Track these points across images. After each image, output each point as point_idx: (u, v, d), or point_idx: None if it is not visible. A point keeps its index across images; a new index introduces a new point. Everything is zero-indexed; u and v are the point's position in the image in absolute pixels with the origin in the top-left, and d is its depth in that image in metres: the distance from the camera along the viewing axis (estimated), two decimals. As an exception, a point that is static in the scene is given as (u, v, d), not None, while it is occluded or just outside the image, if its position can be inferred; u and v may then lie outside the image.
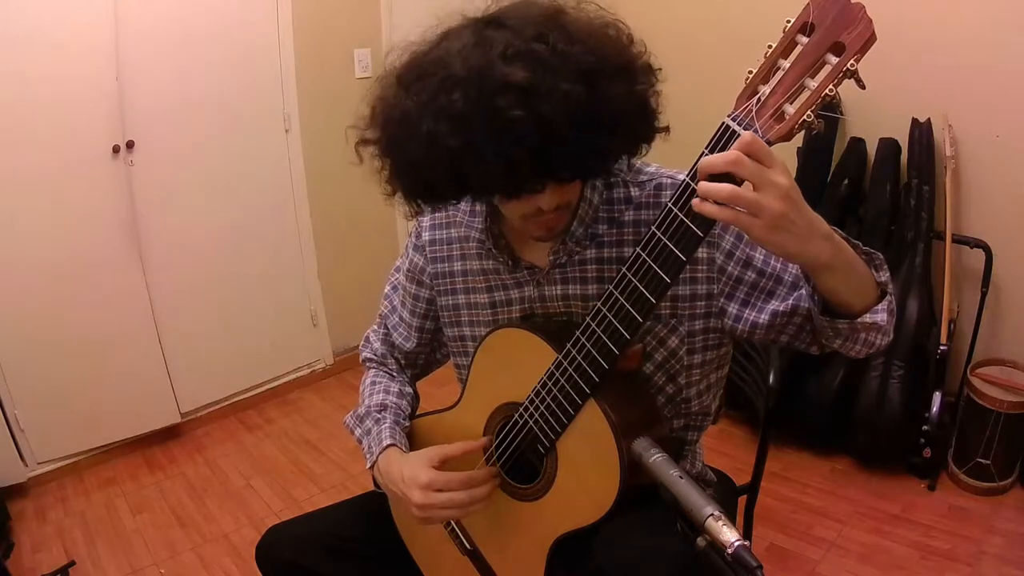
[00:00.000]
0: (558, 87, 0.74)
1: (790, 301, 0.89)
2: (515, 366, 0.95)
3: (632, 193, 0.97)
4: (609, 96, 0.77)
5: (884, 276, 0.82)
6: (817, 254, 0.70)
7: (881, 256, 0.83)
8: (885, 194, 2.26)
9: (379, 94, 0.87)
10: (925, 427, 2.06)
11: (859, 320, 0.79)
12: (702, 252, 0.91)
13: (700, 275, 0.93)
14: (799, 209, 0.66)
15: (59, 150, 2.18)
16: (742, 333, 0.95)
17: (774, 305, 0.90)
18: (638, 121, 0.83)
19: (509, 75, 0.74)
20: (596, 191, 0.96)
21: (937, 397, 2.07)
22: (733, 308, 0.93)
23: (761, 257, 0.91)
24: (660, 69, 0.85)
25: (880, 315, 0.81)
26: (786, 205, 0.65)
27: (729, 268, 0.92)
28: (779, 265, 0.90)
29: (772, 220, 0.65)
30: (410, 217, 0.96)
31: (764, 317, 0.91)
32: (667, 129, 0.87)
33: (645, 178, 0.97)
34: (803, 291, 0.86)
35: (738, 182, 0.65)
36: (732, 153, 0.64)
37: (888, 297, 0.82)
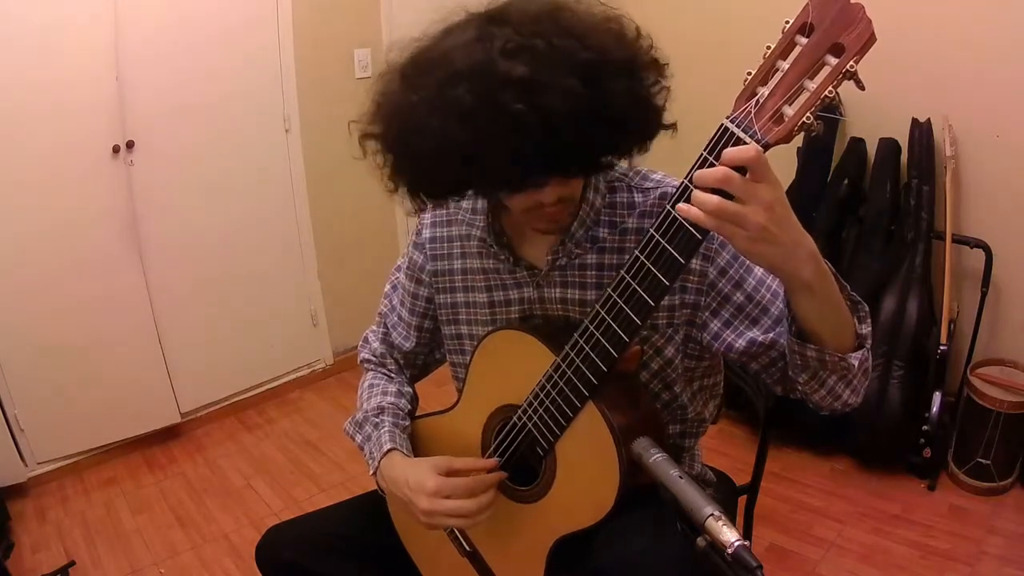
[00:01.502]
0: (558, 82, 0.74)
1: (771, 335, 0.90)
2: (513, 368, 0.95)
3: (636, 199, 0.97)
4: (610, 92, 0.77)
5: (865, 329, 0.81)
6: (799, 270, 0.71)
7: (867, 309, 0.82)
8: (885, 194, 2.26)
9: (382, 89, 0.86)
10: (925, 427, 2.06)
11: (828, 352, 0.79)
12: (696, 264, 0.91)
13: (690, 285, 0.93)
14: (782, 224, 0.67)
15: (59, 150, 2.18)
16: (717, 351, 0.96)
17: (754, 334, 0.91)
18: (641, 118, 0.82)
19: (510, 70, 0.74)
20: (599, 193, 0.96)
21: (937, 397, 2.07)
22: (715, 325, 0.94)
23: (753, 282, 0.91)
24: (667, 64, 0.85)
25: (852, 359, 0.80)
26: (769, 219, 0.66)
27: (720, 284, 0.92)
28: (768, 296, 0.90)
29: (754, 232, 0.66)
30: (412, 213, 0.96)
31: (741, 343, 0.92)
32: (674, 126, 0.87)
33: (650, 185, 0.97)
34: (784, 330, 0.87)
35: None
36: (720, 170, 0.65)
37: (865, 351, 0.81)
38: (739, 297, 0.91)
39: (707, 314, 0.94)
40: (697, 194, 0.67)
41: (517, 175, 0.80)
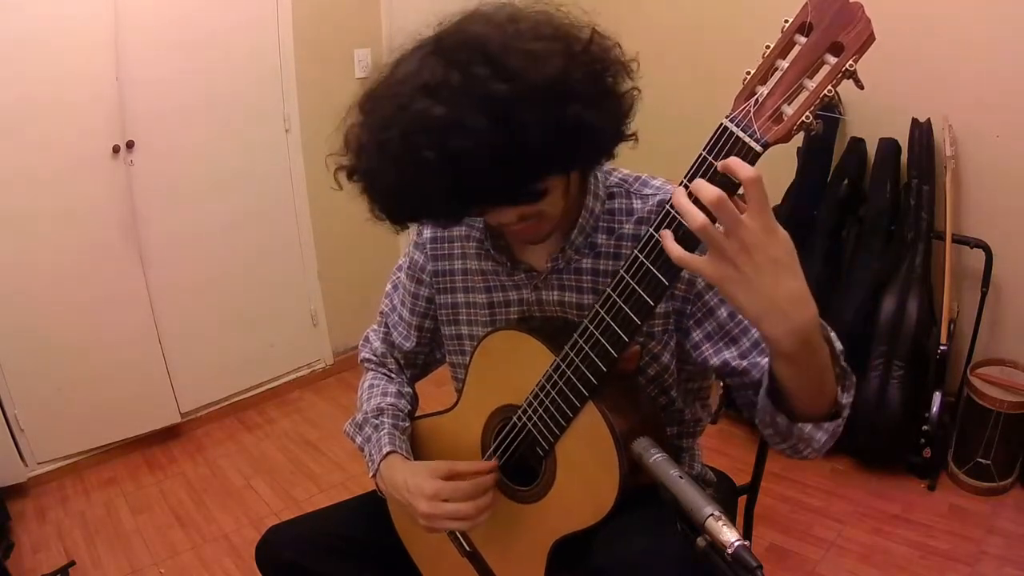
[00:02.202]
0: (467, 123, 0.73)
1: (745, 362, 0.90)
2: (513, 368, 0.95)
3: (635, 205, 0.97)
4: (523, 126, 0.73)
5: (846, 399, 0.79)
6: (774, 336, 0.68)
7: (854, 379, 0.80)
8: (885, 194, 2.25)
9: (349, 123, 0.89)
10: (925, 427, 2.06)
11: (797, 426, 0.78)
12: (686, 273, 0.89)
13: (678, 293, 0.94)
14: (761, 273, 0.65)
15: (59, 150, 2.18)
16: (694, 361, 0.96)
17: (729, 355, 0.91)
18: (568, 146, 0.78)
19: (426, 111, 0.75)
20: (598, 200, 0.96)
21: (937, 397, 2.07)
22: (696, 335, 0.94)
23: None
24: (627, 69, 0.82)
25: (820, 435, 0.79)
26: (743, 259, 0.65)
27: (707, 296, 0.92)
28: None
29: (724, 266, 0.66)
30: (398, 231, 0.96)
31: (716, 361, 0.92)
32: (634, 136, 0.87)
33: (649, 191, 0.97)
34: (761, 360, 0.87)
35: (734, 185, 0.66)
36: (716, 192, 0.63)
37: (839, 420, 0.80)
38: (723, 313, 0.92)
39: (691, 322, 0.94)
40: (688, 205, 0.66)
41: (450, 211, 0.83)
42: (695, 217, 0.65)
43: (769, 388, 0.80)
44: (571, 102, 0.76)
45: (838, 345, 0.78)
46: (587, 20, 0.83)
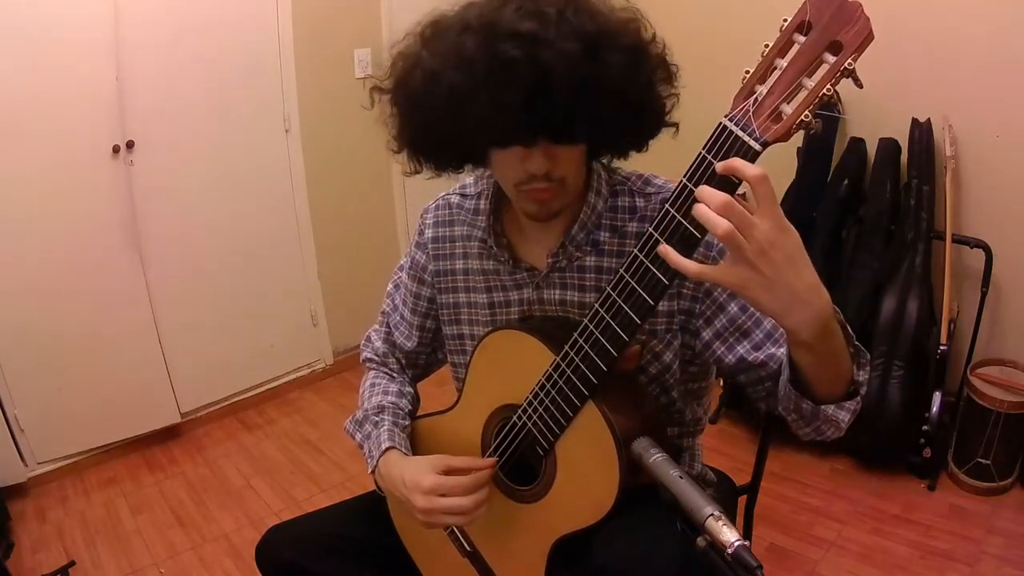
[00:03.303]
0: (560, 43, 0.77)
1: (761, 355, 0.90)
2: (513, 368, 0.95)
3: (638, 203, 0.97)
4: (609, 66, 0.79)
5: (862, 376, 0.81)
6: (796, 329, 0.69)
7: (868, 356, 0.82)
8: (885, 194, 2.25)
9: (400, 48, 0.90)
10: (925, 427, 2.06)
11: (822, 409, 0.79)
12: (702, 281, 0.89)
13: (686, 291, 0.94)
14: (780, 273, 0.65)
15: (59, 150, 2.18)
16: (707, 361, 0.96)
17: (744, 350, 0.91)
18: (638, 103, 0.84)
19: (517, 24, 0.78)
20: (600, 197, 0.97)
21: (937, 397, 2.07)
22: (707, 334, 0.94)
23: None
24: (677, 70, 0.87)
25: (843, 414, 0.81)
26: (761, 261, 0.64)
27: (715, 293, 0.92)
28: None
29: (746, 269, 0.65)
30: (408, 174, 0.98)
31: (731, 358, 0.92)
32: (676, 125, 0.90)
33: (652, 190, 0.97)
34: (776, 351, 0.87)
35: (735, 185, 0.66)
36: (724, 198, 0.63)
37: (858, 399, 0.81)
38: (734, 308, 0.92)
39: (701, 322, 0.94)
40: (702, 195, 0.65)
41: (505, 126, 0.81)
42: (719, 224, 0.63)
43: (791, 377, 0.80)
44: (646, 67, 0.83)
45: (849, 328, 0.79)
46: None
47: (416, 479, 0.96)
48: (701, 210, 0.65)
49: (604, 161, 0.99)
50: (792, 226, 0.66)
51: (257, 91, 2.62)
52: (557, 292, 0.99)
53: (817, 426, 0.83)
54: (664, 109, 0.88)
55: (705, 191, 0.65)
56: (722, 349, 0.93)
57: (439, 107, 0.83)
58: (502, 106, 0.78)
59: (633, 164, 1.00)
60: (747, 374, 0.93)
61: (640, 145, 0.92)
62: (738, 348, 0.92)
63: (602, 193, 0.97)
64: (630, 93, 0.82)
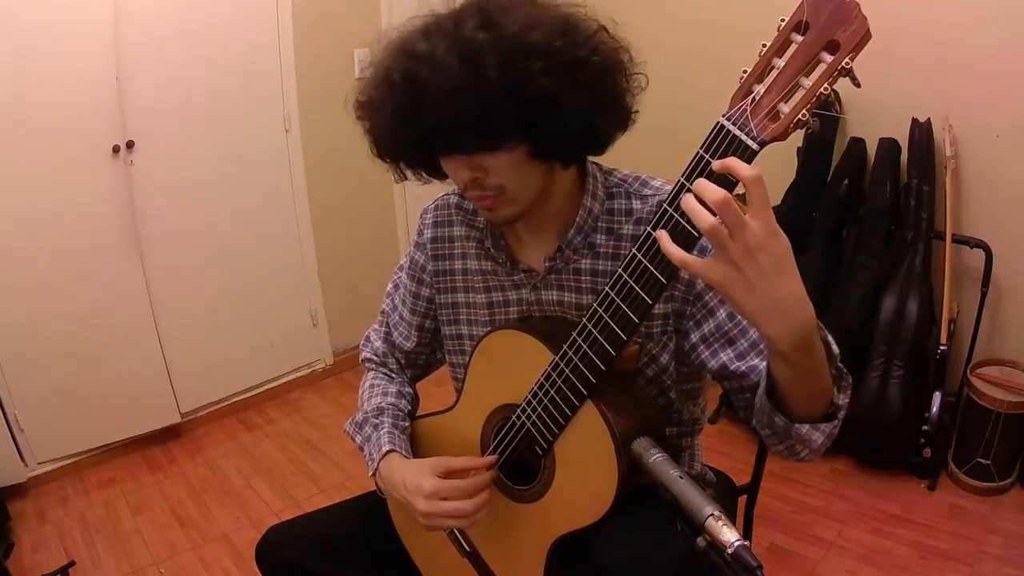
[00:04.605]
0: (438, 57, 0.79)
1: (743, 366, 0.89)
2: (512, 368, 0.95)
3: (634, 205, 0.97)
4: (487, 70, 0.77)
5: (843, 399, 0.79)
6: (774, 338, 0.68)
7: (850, 380, 0.81)
8: (885, 194, 2.25)
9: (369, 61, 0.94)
10: (925, 427, 2.06)
11: (795, 426, 0.78)
12: (685, 274, 0.89)
13: (678, 293, 0.93)
14: (764, 278, 0.64)
15: (59, 150, 2.18)
16: (692, 363, 0.96)
17: (727, 357, 0.91)
18: (526, 112, 0.79)
19: (414, 45, 0.82)
20: (596, 200, 0.96)
21: (937, 397, 2.07)
22: (694, 337, 0.94)
23: None
24: (628, 68, 0.85)
25: (818, 435, 0.79)
26: (747, 262, 0.64)
27: (707, 297, 0.92)
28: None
29: (730, 268, 0.65)
30: (397, 181, 1.01)
31: (713, 364, 0.92)
32: (624, 126, 0.89)
33: (649, 192, 0.97)
34: (759, 363, 0.87)
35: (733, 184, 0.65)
36: (722, 194, 0.63)
37: (835, 422, 0.80)
38: (722, 314, 0.91)
39: (691, 323, 0.94)
40: (693, 203, 0.65)
41: (411, 143, 0.86)
42: (704, 218, 0.64)
43: (767, 389, 0.80)
44: (542, 71, 0.78)
45: (834, 347, 0.78)
46: (609, 21, 0.86)
47: (417, 483, 0.96)
48: (689, 202, 0.65)
49: (595, 162, 0.99)
50: (783, 232, 0.65)
51: (257, 91, 2.62)
52: (555, 294, 1.00)
53: (790, 444, 0.82)
54: (602, 108, 0.84)
55: (703, 184, 0.64)
56: (706, 354, 0.93)
57: (374, 122, 0.90)
58: (397, 127, 0.85)
59: (631, 163, 1.00)
60: (730, 382, 0.93)
61: (590, 148, 0.90)
62: (721, 355, 0.91)
63: (598, 196, 0.97)
64: (524, 94, 0.78)
